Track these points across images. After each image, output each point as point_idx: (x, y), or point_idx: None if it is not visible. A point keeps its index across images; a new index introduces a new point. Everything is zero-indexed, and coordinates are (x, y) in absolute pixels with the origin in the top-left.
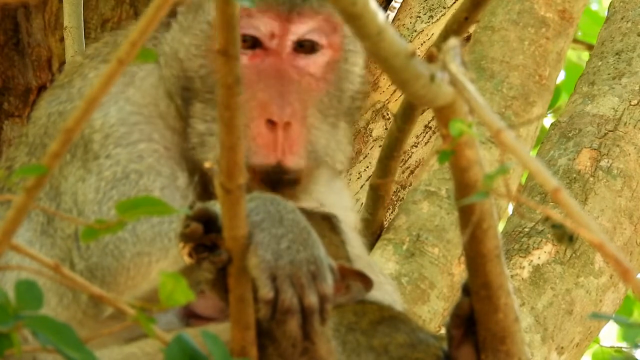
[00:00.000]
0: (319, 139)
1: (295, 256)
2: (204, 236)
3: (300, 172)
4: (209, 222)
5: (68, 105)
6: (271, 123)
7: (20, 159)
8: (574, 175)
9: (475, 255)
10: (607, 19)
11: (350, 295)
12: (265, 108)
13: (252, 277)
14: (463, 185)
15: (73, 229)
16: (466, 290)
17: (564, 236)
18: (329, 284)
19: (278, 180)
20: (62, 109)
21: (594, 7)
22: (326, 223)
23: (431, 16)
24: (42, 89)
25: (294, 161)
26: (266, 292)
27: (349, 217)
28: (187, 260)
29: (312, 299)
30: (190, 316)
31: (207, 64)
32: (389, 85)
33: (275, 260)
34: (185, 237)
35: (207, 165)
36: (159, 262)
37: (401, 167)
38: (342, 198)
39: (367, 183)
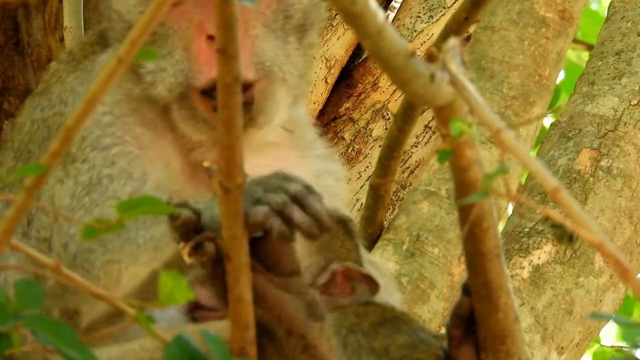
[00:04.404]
0: (266, 51)
1: (270, 185)
2: (202, 235)
3: (250, 85)
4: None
5: (50, 112)
6: (211, 39)
7: (6, 163)
8: (574, 175)
9: (475, 254)
10: (607, 19)
11: (354, 297)
12: (202, 26)
13: (242, 221)
14: (463, 185)
15: (48, 233)
16: (466, 290)
17: (564, 236)
18: (305, 183)
19: None
20: (44, 116)
21: (594, 7)
22: (340, 226)
23: (431, 16)
24: None
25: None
26: (255, 212)
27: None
28: (188, 260)
29: (295, 188)
30: (193, 308)
31: (144, 8)
32: (389, 85)
33: (253, 195)
34: (179, 229)
35: (205, 164)
36: (128, 268)
37: (401, 167)
38: (305, 124)
39: (367, 183)
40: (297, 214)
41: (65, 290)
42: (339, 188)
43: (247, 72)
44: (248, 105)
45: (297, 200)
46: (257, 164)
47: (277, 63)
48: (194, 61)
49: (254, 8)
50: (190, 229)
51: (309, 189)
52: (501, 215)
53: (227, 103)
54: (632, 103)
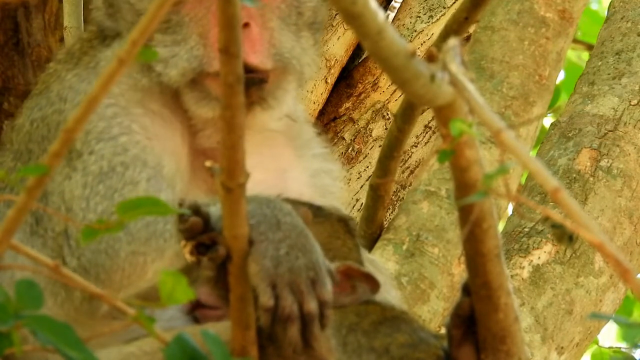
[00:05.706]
0: (283, 43)
1: (294, 263)
2: (204, 235)
3: (267, 72)
4: (206, 221)
5: (49, 110)
6: None
7: (6, 164)
8: (574, 175)
9: (475, 254)
10: (607, 19)
11: (355, 296)
12: None
13: (252, 284)
14: (463, 185)
15: (63, 227)
16: (466, 290)
17: (564, 236)
18: (328, 290)
19: (245, 79)
20: (43, 114)
21: (594, 7)
22: (341, 225)
23: (431, 16)
24: None
25: (258, 59)
26: (266, 299)
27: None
28: (189, 258)
29: (311, 306)
30: (194, 306)
31: None
32: (389, 85)
33: (275, 268)
34: (185, 233)
35: (207, 164)
36: (154, 262)
37: (401, 167)
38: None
39: (367, 183)
40: (293, 332)
41: (87, 272)
42: (335, 187)
43: (265, 62)
44: (261, 83)
45: (304, 321)
46: (254, 163)
47: (294, 55)
48: (210, 48)
49: (271, 2)
50: (197, 232)
51: (324, 307)
52: (501, 215)
53: (229, 103)
54: (632, 103)
